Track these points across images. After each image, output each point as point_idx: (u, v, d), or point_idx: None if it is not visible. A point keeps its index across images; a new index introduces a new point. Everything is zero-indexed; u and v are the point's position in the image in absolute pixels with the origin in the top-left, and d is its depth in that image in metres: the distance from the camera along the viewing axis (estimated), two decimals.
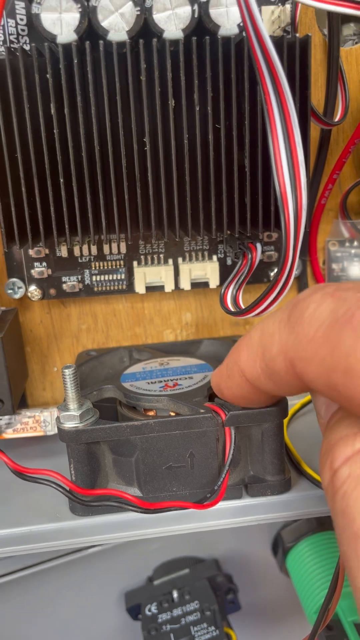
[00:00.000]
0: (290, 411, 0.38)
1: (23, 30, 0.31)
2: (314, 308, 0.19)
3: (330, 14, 0.32)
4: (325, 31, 0.34)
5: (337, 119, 0.35)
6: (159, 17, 0.28)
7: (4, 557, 0.39)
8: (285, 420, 0.35)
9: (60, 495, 0.29)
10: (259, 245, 0.33)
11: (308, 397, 0.40)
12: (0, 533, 0.30)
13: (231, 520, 0.30)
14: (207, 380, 0.33)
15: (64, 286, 0.36)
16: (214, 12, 0.28)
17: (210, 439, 0.29)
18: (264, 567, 0.48)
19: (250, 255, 0.33)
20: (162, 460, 0.29)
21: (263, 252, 0.36)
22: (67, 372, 0.29)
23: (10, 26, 0.31)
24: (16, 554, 0.30)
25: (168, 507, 0.27)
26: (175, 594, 0.43)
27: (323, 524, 0.46)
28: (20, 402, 0.39)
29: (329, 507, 0.19)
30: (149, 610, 0.43)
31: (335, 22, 0.32)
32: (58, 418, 0.29)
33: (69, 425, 0.29)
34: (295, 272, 0.37)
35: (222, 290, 0.32)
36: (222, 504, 0.30)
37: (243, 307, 0.31)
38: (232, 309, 0.31)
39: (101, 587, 0.45)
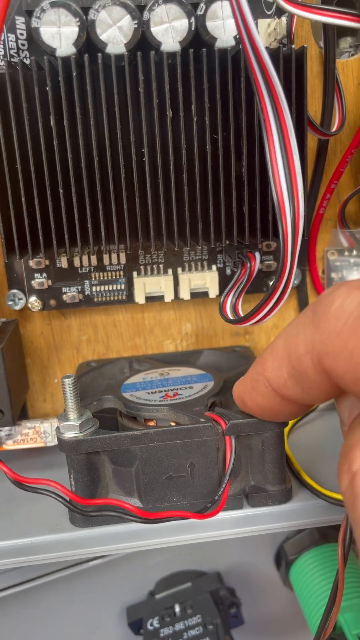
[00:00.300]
0: (291, 422, 0.38)
1: (23, 44, 0.32)
2: (340, 301, 0.18)
3: (325, 26, 0.32)
4: (321, 43, 0.34)
5: (334, 129, 0.35)
6: (156, 30, 0.28)
7: (4, 569, 0.38)
8: (286, 430, 0.35)
9: (60, 506, 0.29)
10: (257, 255, 0.33)
11: None
12: (0, 545, 0.29)
13: (232, 530, 0.30)
14: (207, 389, 0.33)
15: (64, 297, 0.36)
16: (210, 24, 0.28)
17: (210, 448, 0.29)
18: (267, 580, 0.48)
19: (249, 265, 0.33)
20: (162, 470, 0.29)
21: (262, 261, 0.36)
22: (67, 381, 0.29)
23: (11, 41, 0.31)
24: (16, 566, 0.30)
25: (168, 517, 0.26)
26: (177, 608, 0.43)
27: (326, 536, 0.46)
28: (21, 414, 0.39)
29: (348, 511, 0.18)
30: (151, 624, 0.42)
31: (330, 34, 0.33)
32: (58, 428, 0.29)
33: (68, 435, 0.29)
34: (294, 282, 0.38)
35: (222, 299, 0.32)
36: (223, 514, 0.30)
37: (242, 315, 0.31)
38: (231, 317, 0.31)
39: (102, 601, 0.45)
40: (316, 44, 0.35)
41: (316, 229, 0.38)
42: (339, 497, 0.31)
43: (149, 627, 0.42)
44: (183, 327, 0.40)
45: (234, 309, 0.32)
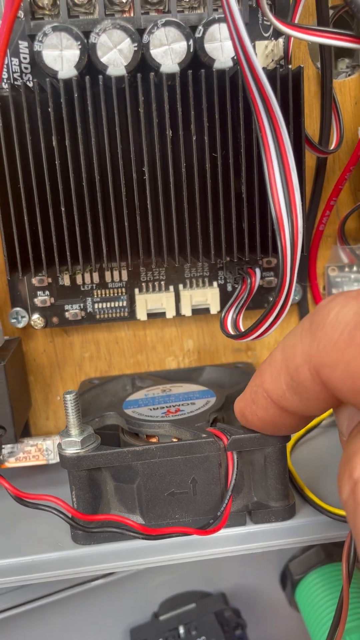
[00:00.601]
0: (293, 438, 0.38)
1: (26, 67, 0.32)
2: (337, 311, 0.18)
3: (322, 47, 0.33)
4: (318, 64, 0.35)
5: (332, 147, 0.36)
6: (155, 52, 0.29)
7: (5, 587, 0.38)
8: (288, 447, 0.35)
9: (61, 524, 0.29)
10: (257, 270, 0.33)
11: (311, 423, 0.39)
12: (1, 563, 0.29)
13: (235, 547, 0.30)
14: (209, 405, 0.33)
15: (67, 314, 0.36)
16: (208, 46, 0.29)
17: (212, 464, 0.29)
18: (273, 601, 0.47)
19: (249, 280, 0.33)
20: (164, 487, 0.29)
21: (263, 277, 0.36)
22: (69, 397, 0.29)
23: (14, 64, 0.32)
24: (18, 585, 0.29)
25: (170, 533, 0.26)
26: (181, 630, 0.42)
27: (332, 555, 0.45)
28: (23, 431, 0.39)
29: (349, 522, 0.18)
30: None
31: (327, 54, 0.33)
32: (59, 444, 0.29)
33: (70, 451, 0.29)
34: (295, 298, 0.38)
35: (223, 314, 0.32)
36: (226, 531, 0.30)
37: (243, 330, 0.31)
38: (232, 332, 0.32)
39: (106, 623, 0.44)
40: (313, 65, 0.36)
41: (316, 245, 0.39)
42: (343, 513, 0.31)
43: None
44: (185, 344, 0.40)
45: (235, 324, 0.32)
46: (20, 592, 0.39)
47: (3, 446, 0.34)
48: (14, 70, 0.32)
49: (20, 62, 0.32)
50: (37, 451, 0.34)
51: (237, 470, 0.29)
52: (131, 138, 0.30)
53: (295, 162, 0.26)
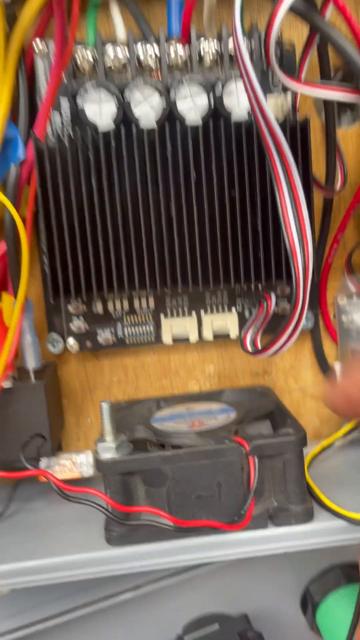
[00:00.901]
0: (309, 455, 0.40)
1: (66, 121, 0.37)
2: None
3: (325, 100, 0.38)
4: (323, 116, 0.40)
5: (337, 188, 0.40)
6: (181, 107, 0.33)
7: (35, 601, 0.40)
8: (306, 462, 0.37)
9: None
10: (273, 295, 0.37)
11: (326, 441, 0.42)
12: (38, 563, 0.32)
13: (259, 547, 0.32)
14: (230, 419, 0.36)
15: (99, 339, 0.40)
16: (227, 101, 0.34)
17: (235, 468, 0.32)
18: (294, 625, 0.48)
19: (265, 304, 0.36)
20: (191, 490, 0.32)
21: (277, 304, 0.40)
22: (105, 406, 0.32)
23: (57, 119, 0.37)
24: (54, 582, 0.32)
25: (199, 525, 0.29)
26: None
27: (351, 577, 0.47)
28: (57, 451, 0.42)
29: None
30: None
31: (330, 106, 0.38)
32: (96, 450, 0.32)
33: (106, 456, 0.32)
34: (308, 325, 0.41)
35: (242, 333, 0.36)
36: (249, 533, 0.32)
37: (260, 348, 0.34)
38: (250, 350, 0.35)
39: None
40: (318, 117, 0.40)
41: (325, 276, 0.42)
42: (358, 516, 0.33)
43: None
44: (206, 368, 0.43)
45: (253, 342, 0.35)
46: (42, 609, 0.41)
47: (40, 459, 0.37)
48: (56, 123, 0.37)
49: (61, 115, 0.37)
50: (72, 464, 0.37)
51: (258, 473, 0.32)
52: (160, 179, 0.34)
53: (305, 199, 0.30)
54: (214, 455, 0.32)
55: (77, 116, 0.35)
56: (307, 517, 0.33)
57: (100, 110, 0.33)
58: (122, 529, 0.32)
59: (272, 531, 0.32)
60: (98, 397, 0.43)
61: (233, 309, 0.40)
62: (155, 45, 0.35)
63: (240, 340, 0.36)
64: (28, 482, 0.38)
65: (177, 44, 0.35)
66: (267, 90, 0.37)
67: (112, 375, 0.43)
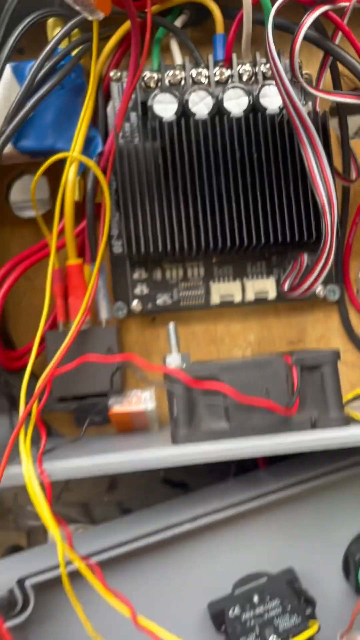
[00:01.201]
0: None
1: (134, 124, 0.47)
2: None
3: (338, 105, 0.48)
4: (335, 123, 0.49)
5: (353, 177, 0.49)
6: (227, 104, 0.43)
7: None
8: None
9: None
10: (306, 255, 0.44)
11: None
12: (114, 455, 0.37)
13: (306, 438, 0.37)
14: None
15: (158, 301, 0.47)
16: (262, 100, 0.43)
17: (281, 377, 0.38)
18: (337, 589, 0.50)
19: (299, 260, 0.44)
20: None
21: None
22: (171, 326, 0.39)
23: (127, 125, 0.47)
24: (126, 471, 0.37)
25: (258, 404, 0.35)
26: (256, 598, 0.46)
27: None
28: None
29: None
30: (232, 612, 0.46)
31: (342, 111, 0.48)
32: (164, 363, 0.38)
33: (174, 364, 0.38)
34: (334, 297, 0.48)
35: (282, 279, 0.43)
36: (295, 435, 0.37)
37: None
38: (287, 289, 0.42)
39: (184, 596, 0.48)
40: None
41: (348, 255, 0.50)
42: None
43: (230, 614, 0.46)
44: (248, 337, 0.50)
45: (290, 285, 0.42)
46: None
47: (111, 397, 0.43)
48: (126, 127, 0.47)
49: (130, 121, 0.47)
50: (137, 400, 0.43)
51: (301, 381, 0.38)
52: (212, 161, 0.43)
53: (330, 170, 0.39)
54: (263, 365, 0.38)
55: (146, 116, 0.45)
56: (345, 422, 0.38)
57: (165, 107, 0.43)
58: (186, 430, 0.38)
59: (315, 432, 0.38)
60: (154, 362, 0.49)
61: (271, 277, 0.48)
62: (204, 69, 0.46)
63: (280, 284, 0.43)
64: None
65: (222, 68, 0.46)
66: None
67: (167, 342, 0.50)
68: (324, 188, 0.39)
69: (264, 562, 0.49)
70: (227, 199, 0.43)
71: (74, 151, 0.42)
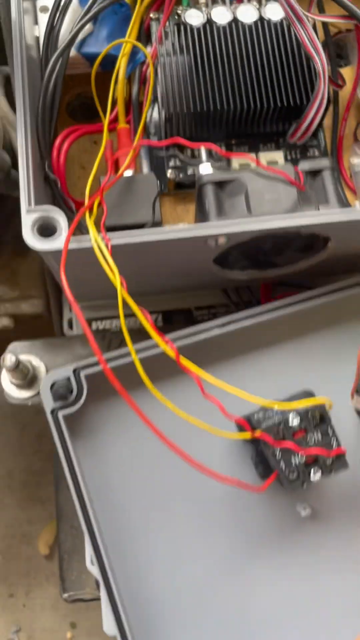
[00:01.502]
0: None
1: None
2: None
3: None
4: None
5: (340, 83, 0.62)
6: (240, 17, 0.58)
7: None
8: None
9: None
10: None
11: None
12: None
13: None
14: None
15: (188, 172, 0.58)
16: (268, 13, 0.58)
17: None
18: None
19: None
20: (261, 197, 0.48)
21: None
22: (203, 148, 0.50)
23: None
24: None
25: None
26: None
27: None
28: None
29: None
30: (255, 416, 0.52)
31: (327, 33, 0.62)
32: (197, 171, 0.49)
33: (205, 172, 0.49)
34: (328, 164, 0.60)
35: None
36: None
37: None
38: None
39: None
40: None
41: (340, 145, 0.62)
42: None
43: (254, 419, 0.52)
44: None
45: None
46: None
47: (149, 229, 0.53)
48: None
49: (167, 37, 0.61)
50: None
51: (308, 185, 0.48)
52: (231, 54, 0.56)
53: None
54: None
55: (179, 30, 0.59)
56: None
57: (194, 19, 0.57)
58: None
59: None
60: None
61: (279, 150, 0.59)
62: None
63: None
64: None
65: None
66: None
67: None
68: (312, 46, 0.53)
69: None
70: (242, 69, 0.56)
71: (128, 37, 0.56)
